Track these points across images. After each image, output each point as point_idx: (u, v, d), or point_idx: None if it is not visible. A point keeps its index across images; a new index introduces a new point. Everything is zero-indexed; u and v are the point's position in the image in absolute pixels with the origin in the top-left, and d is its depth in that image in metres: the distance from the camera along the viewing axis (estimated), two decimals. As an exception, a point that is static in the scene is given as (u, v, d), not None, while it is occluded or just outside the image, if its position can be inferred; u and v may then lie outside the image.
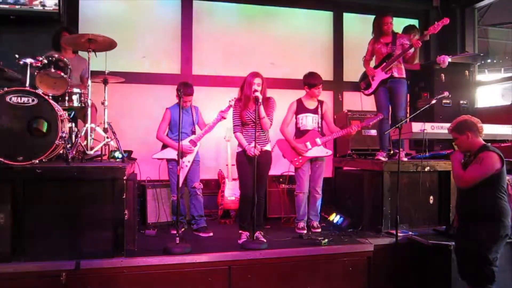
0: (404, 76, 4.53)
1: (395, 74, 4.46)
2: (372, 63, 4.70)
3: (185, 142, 4.26)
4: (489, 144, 3.05)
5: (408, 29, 5.22)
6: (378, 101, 4.61)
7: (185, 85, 4.24)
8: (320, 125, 4.44)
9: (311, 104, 4.44)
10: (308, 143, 4.34)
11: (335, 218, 4.71)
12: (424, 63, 5.62)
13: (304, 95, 4.48)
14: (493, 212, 2.89)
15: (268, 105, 3.93)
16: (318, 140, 4.34)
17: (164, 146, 4.38)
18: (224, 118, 4.23)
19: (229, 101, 4.09)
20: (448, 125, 3.98)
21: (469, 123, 3.04)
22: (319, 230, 4.34)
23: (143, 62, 5.33)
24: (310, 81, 4.38)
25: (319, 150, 4.36)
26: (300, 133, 4.42)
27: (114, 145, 3.81)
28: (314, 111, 4.42)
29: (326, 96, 5.90)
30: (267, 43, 5.74)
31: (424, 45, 5.58)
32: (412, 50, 4.38)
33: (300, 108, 4.44)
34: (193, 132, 4.42)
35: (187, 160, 4.30)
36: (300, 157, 4.34)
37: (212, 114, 4.30)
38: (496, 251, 2.89)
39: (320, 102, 4.46)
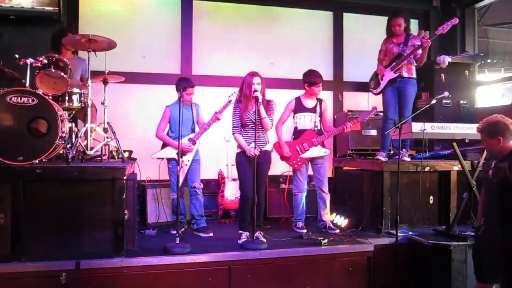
0: (414, 76, 4.52)
1: (405, 74, 4.46)
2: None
3: (185, 141, 4.23)
4: None
5: None
6: (385, 101, 4.61)
7: (185, 79, 4.32)
8: (317, 124, 4.39)
9: (310, 103, 4.41)
10: (305, 144, 4.32)
11: (335, 218, 4.70)
12: (424, 63, 5.61)
13: (304, 93, 4.45)
14: None
15: (269, 108, 3.94)
16: (315, 140, 4.33)
17: (164, 145, 4.38)
18: (219, 119, 4.23)
19: (229, 96, 4.09)
20: (448, 125, 3.99)
21: (502, 127, 2.73)
22: (338, 230, 4.29)
23: (143, 62, 5.33)
24: (310, 79, 4.33)
25: (317, 150, 4.34)
26: (298, 133, 4.40)
27: (114, 145, 3.81)
28: (313, 110, 4.39)
29: (326, 96, 5.90)
30: (267, 43, 5.73)
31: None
32: (420, 51, 4.38)
33: (299, 106, 4.41)
34: (193, 130, 4.40)
35: (187, 159, 4.29)
36: (299, 159, 4.34)
37: (212, 114, 4.28)
38: None
39: (319, 101, 4.43)
